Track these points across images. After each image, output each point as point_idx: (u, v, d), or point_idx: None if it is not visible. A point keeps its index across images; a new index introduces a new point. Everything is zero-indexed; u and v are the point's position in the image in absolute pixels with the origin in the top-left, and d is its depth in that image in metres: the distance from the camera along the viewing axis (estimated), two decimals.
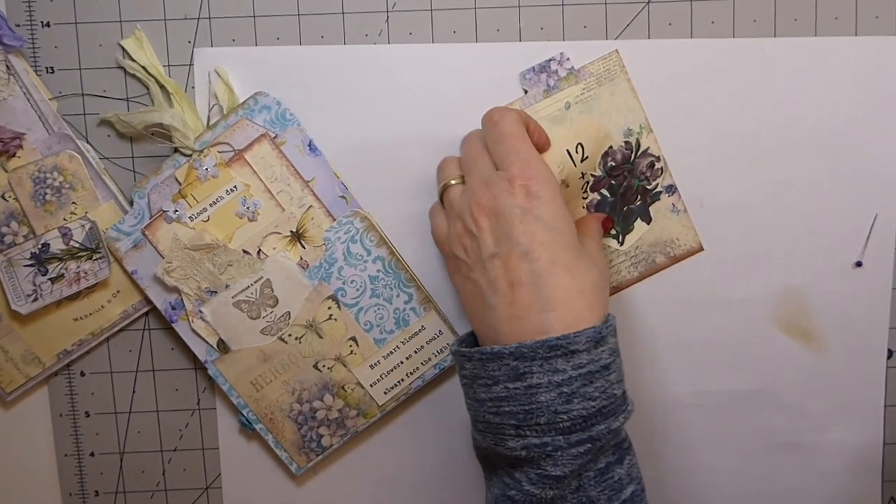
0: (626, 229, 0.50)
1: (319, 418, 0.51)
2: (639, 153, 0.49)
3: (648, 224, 0.50)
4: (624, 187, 0.49)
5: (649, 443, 0.52)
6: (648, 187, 0.50)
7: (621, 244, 0.50)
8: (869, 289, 0.51)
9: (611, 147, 0.49)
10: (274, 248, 0.49)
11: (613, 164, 0.49)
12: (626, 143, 0.49)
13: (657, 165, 0.49)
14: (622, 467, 0.39)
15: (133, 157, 0.49)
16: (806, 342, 0.51)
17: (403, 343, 0.50)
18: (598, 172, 0.49)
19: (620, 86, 0.49)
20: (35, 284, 0.48)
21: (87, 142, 0.49)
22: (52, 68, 0.48)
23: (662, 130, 0.49)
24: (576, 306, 0.38)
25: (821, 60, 0.49)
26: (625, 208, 0.50)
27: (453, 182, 0.44)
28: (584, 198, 0.49)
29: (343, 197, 0.49)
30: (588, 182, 0.49)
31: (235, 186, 0.48)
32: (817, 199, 0.50)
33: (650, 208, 0.50)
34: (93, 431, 0.52)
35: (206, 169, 0.48)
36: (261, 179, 0.48)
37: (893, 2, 0.49)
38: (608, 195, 0.50)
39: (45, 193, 0.48)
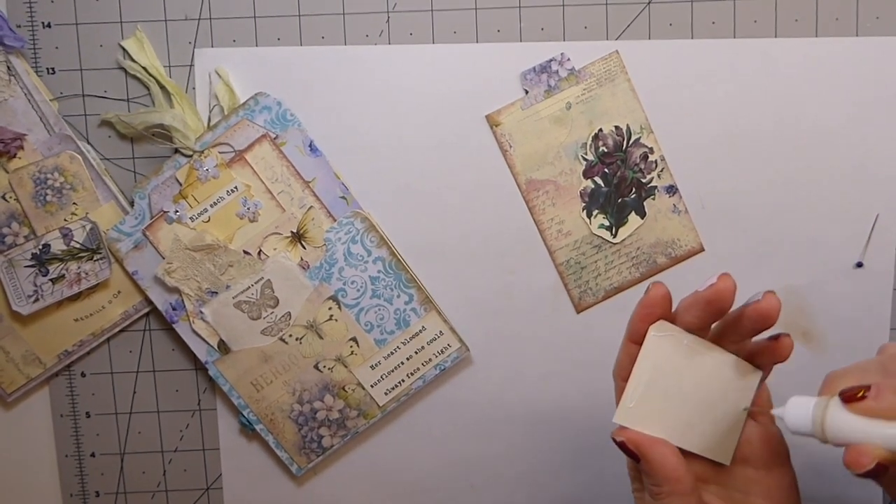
0: (620, 222, 0.50)
1: (320, 419, 0.51)
2: (631, 142, 0.49)
3: (642, 218, 0.50)
4: (618, 178, 0.49)
5: None
6: (643, 180, 0.50)
7: (614, 236, 0.50)
8: (870, 289, 0.51)
9: (601, 130, 0.49)
10: (275, 249, 0.49)
11: (605, 149, 0.49)
12: (617, 128, 0.49)
13: (651, 158, 0.49)
14: None
15: (134, 158, 0.49)
16: (806, 342, 0.51)
17: (404, 344, 0.50)
18: (591, 157, 0.49)
19: (621, 86, 0.49)
20: (36, 285, 0.48)
21: (88, 142, 0.49)
22: (52, 69, 0.48)
23: (663, 131, 0.49)
24: None
25: (821, 61, 0.49)
26: (619, 200, 0.50)
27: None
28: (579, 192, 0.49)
29: (343, 197, 0.49)
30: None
31: (236, 187, 0.48)
32: (818, 200, 0.50)
33: (644, 203, 0.50)
34: (93, 432, 0.52)
35: (207, 169, 0.48)
36: (261, 180, 0.48)
37: (894, 3, 0.49)
38: (602, 184, 0.50)
39: (46, 194, 0.48)
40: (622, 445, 0.34)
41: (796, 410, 0.32)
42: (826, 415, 0.30)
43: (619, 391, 0.36)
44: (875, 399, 0.29)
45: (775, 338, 0.35)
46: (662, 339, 0.34)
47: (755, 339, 0.35)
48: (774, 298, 0.33)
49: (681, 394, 0.34)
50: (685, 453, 0.34)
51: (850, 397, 0.30)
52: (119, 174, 0.49)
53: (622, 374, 0.35)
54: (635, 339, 0.35)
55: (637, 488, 0.36)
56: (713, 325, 0.35)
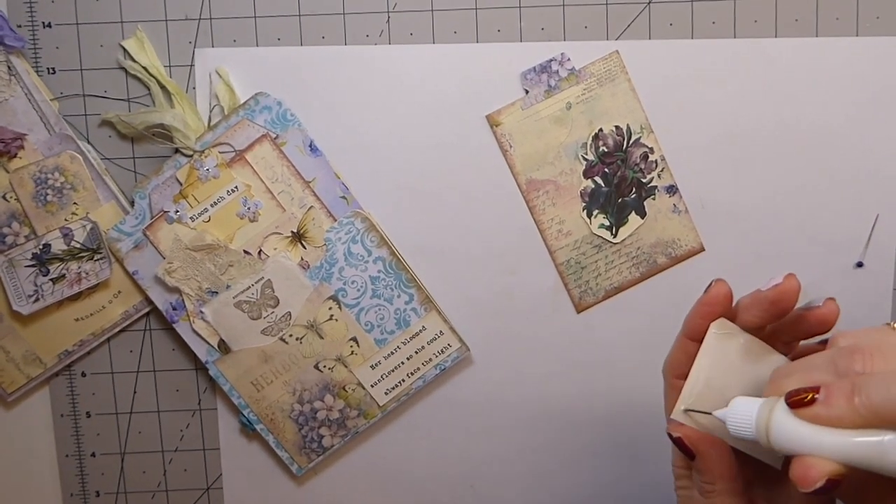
0: (620, 222, 0.50)
1: (320, 419, 0.51)
2: (631, 142, 0.49)
3: (643, 218, 0.50)
4: (618, 178, 0.49)
5: (650, 443, 0.52)
6: (643, 180, 0.50)
7: (614, 236, 0.50)
8: (870, 289, 0.51)
9: (601, 130, 0.49)
10: (275, 249, 0.49)
11: (606, 149, 0.49)
12: (617, 128, 0.49)
13: (651, 158, 0.49)
14: None
15: (134, 158, 0.49)
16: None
17: (404, 343, 0.50)
18: (591, 157, 0.49)
19: (621, 86, 0.49)
20: (36, 285, 0.48)
21: (89, 142, 0.49)
22: (53, 69, 0.48)
23: (663, 131, 0.49)
24: None
25: (822, 61, 0.49)
26: (619, 200, 0.50)
27: None
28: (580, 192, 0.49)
29: (344, 197, 0.49)
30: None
31: (236, 187, 0.48)
32: (818, 200, 0.50)
33: (645, 202, 0.50)
34: (94, 432, 0.52)
35: (207, 169, 0.48)
36: (262, 180, 0.48)
37: (894, 2, 0.49)
38: (602, 184, 0.50)
39: (47, 194, 0.48)
40: (678, 441, 0.33)
41: (739, 413, 0.28)
42: (771, 420, 0.27)
43: (671, 388, 0.35)
44: (824, 405, 0.26)
45: (826, 342, 0.34)
46: (722, 338, 0.33)
47: (804, 342, 0.35)
48: (835, 305, 0.32)
49: (736, 393, 0.33)
50: (736, 453, 0.33)
51: (797, 402, 0.26)
52: (119, 174, 0.50)
53: (675, 372, 0.34)
54: (693, 335, 0.34)
55: (683, 486, 0.35)
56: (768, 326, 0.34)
